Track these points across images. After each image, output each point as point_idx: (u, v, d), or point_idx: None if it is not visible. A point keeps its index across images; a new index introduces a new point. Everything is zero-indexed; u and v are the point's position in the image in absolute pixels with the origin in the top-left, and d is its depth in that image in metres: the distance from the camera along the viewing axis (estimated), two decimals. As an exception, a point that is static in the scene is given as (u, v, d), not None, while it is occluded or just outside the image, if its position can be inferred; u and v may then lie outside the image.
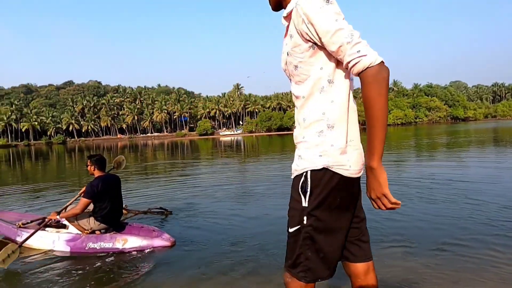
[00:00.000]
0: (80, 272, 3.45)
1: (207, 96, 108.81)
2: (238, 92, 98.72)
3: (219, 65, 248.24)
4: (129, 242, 3.91)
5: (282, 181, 8.89)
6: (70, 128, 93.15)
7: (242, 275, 3.16)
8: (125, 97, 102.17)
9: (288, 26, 1.34)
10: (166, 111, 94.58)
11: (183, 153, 25.89)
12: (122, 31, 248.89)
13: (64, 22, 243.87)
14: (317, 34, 1.18)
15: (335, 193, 1.28)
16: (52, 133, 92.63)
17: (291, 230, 1.35)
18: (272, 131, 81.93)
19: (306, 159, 1.31)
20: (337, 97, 1.28)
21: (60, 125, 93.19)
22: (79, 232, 4.10)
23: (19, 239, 4.11)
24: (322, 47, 1.23)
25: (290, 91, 1.45)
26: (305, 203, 1.29)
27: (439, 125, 74.19)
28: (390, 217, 4.65)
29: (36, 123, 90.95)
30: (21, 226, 4.31)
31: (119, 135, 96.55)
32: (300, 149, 1.38)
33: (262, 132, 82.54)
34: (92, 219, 4.07)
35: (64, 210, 4.33)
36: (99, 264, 3.61)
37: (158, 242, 3.91)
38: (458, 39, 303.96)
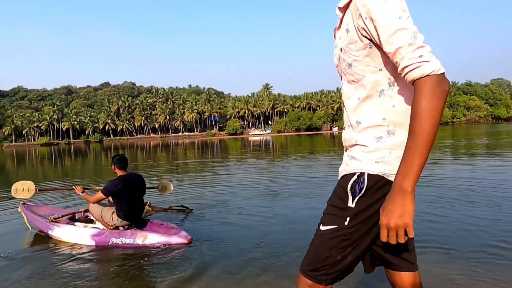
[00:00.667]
0: (101, 265, 3.68)
1: (236, 96, 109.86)
2: (267, 92, 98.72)
3: (249, 65, 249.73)
4: (148, 238, 4.08)
5: (309, 181, 8.77)
6: (106, 127, 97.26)
7: (254, 275, 3.16)
8: (158, 97, 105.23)
9: (342, 18, 1.22)
10: (196, 111, 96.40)
11: (213, 152, 26.25)
12: (154, 33, 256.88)
13: (102, 26, 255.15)
14: (376, 31, 1.06)
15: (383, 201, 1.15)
16: (90, 132, 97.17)
17: (323, 228, 1.23)
18: (301, 131, 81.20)
19: (361, 161, 1.19)
20: (399, 103, 1.16)
21: (97, 125, 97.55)
22: (104, 228, 4.33)
23: (51, 233, 4.46)
24: (380, 46, 1.09)
25: (340, 88, 1.31)
26: (351, 204, 1.18)
27: (478, 125, 70.27)
28: (430, 219, 4.49)
29: (75, 122, 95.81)
30: (53, 220, 4.57)
31: (151, 134, 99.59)
32: (354, 151, 1.25)
33: (291, 132, 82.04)
34: (115, 215, 4.26)
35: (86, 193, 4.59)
36: (119, 258, 3.81)
37: (175, 240, 4.05)
38: (500, 34, 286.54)
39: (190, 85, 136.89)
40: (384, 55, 1.11)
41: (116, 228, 4.26)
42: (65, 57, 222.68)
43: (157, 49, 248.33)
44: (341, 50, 1.22)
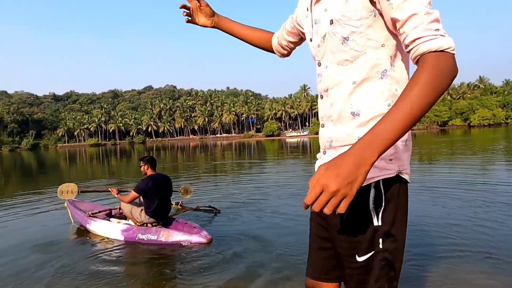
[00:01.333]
0: (125, 259, 4.00)
1: (273, 98, 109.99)
2: (305, 93, 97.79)
3: (286, 66, 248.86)
4: (171, 236, 4.30)
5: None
6: (149, 129, 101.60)
7: (265, 278, 3.17)
8: (197, 100, 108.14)
9: None
10: (234, 113, 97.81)
11: (250, 154, 26.49)
12: (194, 38, 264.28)
13: (146, 32, 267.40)
14: None
15: (407, 203, 1.04)
16: (134, 134, 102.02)
17: (361, 259, 1.01)
18: (340, 132, 79.54)
19: (375, 166, 0.92)
20: (401, 86, 0.98)
21: (140, 126, 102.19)
22: (133, 224, 4.66)
23: (88, 226, 4.90)
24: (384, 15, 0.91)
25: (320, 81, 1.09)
26: (377, 222, 0.99)
27: (537, 127, 64.55)
28: (479, 224, 4.26)
29: (121, 124, 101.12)
30: (91, 215, 5.00)
31: (191, 136, 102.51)
32: None
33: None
34: (143, 213, 4.55)
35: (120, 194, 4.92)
36: (142, 253, 4.10)
37: (196, 239, 4.23)
38: None
39: (228, 87, 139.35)
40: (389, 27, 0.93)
41: (144, 224, 4.55)
42: (112, 63, 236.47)
43: (197, 53, 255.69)
44: (331, 23, 0.99)
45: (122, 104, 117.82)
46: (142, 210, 4.57)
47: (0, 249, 4.36)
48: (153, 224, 4.59)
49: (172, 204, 5.19)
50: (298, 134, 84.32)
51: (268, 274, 3.25)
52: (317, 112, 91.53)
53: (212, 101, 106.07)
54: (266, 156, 23.42)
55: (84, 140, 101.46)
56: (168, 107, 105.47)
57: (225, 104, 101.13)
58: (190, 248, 4.11)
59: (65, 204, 5.66)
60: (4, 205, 8.07)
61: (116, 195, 4.82)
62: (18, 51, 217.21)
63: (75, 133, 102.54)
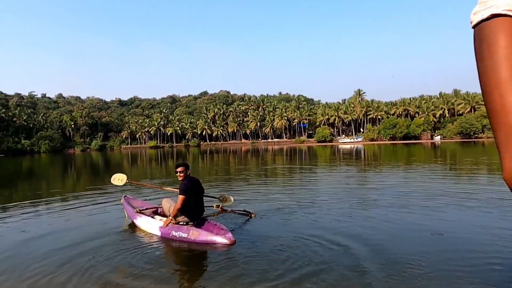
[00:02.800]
0: (157, 251, 4.43)
1: (326, 103, 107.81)
2: (359, 98, 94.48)
3: (339, 71, 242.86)
4: (199, 235, 4.61)
5: (403, 192, 8.12)
6: (204, 133, 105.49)
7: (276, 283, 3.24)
8: (250, 105, 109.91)
9: None
10: (286, 118, 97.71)
11: (301, 159, 26.26)
12: (247, 43, 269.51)
13: (202, 39, 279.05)
14: None
15: None
16: (189, 137, 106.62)
17: None
18: (397, 139, 75.39)
19: None
20: None
21: (195, 130, 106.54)
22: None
23: (135, 221, 5.48)
24: None
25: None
26: None
27: None
28: None
29: (178, 128, 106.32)
30: (138, 211, 5.54)
31: (243, 140, 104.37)
32: None
33: (385, 140, 76.84)
34: (179, 212, 4.93)
35: (169, 213, 5.23)
36: (172, 248, 4.54)
37: (220, 239, 4.47)
38: None
39: (280, 93, 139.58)
40: None
41: (178, 223, 4.92)
42: (172, 70, 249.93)
43: (250, 59, 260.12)
44: None
45: (179, 109, 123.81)
46: (178, 209, 4.92)
47: (70, 232, 5.41)
48: (189, 223, 4.93)
49: (213, 207, 5.73)
50: (352, 140, 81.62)
51: (276, 282, 3.30)
52: (372, 118, 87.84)
53: (264, 106, 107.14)
54: (317, 162, 23.04)
55: (145, 142, 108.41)
56: (221, 112, 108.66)
57: (277, 109, 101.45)
58: (214, 248, 4.39)
59: (122, 200, 6.31)
60: (77, 197, 9.34)
61: (169, 216, 5.04)
62: (92, 59, 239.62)
63: (137, 136, 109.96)
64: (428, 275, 3.44)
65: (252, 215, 5.98)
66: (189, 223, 4.92)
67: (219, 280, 3.43)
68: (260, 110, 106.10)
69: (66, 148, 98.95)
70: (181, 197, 4.78)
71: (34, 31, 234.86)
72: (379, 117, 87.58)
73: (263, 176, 14.38)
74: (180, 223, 4.91)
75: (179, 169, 5.05)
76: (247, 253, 4.14)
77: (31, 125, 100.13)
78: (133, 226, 5.53)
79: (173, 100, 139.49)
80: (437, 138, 74.10)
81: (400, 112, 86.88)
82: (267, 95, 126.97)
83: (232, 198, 6.18)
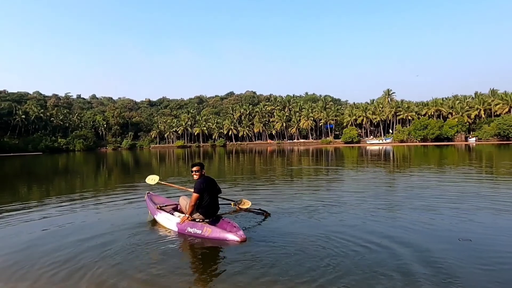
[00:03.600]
0: (172, 245, 4.67)
1: (354, 103, 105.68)
2: (389, 98, 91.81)
3: (368, 71, 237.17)
4: (212, 232, 4.79)
5: (433, 195, 7.83)
6: (230, 133, 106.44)
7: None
8: (276, 105, 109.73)
9: None
10: (312, 118, 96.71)
11: (327, 160, 25.92)
12: (273, 44, 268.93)
13: (227, 41, 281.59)
14: None
15: None
16: (216, 137, 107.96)
17: None
18: (428, 141, 72.66)
19: None
20: None
21: (222, 130, 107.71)
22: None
23: (155, 217, 5.78)
24: None
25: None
26: None
27: None
28: None
29: (204, 128, 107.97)
30: (159, 207, 5.84)
31: (269, 140, 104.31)
32: None
33: (416, 141, 74.25)
34: (194, 209, 5.17)
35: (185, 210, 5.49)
36: (186, 244, 4.77)
37: (231, 237, 4.62)
38: None
39: (306, 93, 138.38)
40: None
41: (194, 220, 5.13)
42: (199, 71, 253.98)
43: (276, 59, 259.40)
44: None
45: (206, 109, 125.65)
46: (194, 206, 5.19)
47: (97, 224, 6.02)
48: (206, 220, 5.13)
49: (231, 205, 5.94)
50: (380, 141, 79.50)
51: (275, 280, 3.37)
52: (402, 119, 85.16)
53: (290, 107, 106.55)
54: (344, 163, 22.66)
55: (173, 142, 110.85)
56: (247, 112, 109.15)
57: (303, 110, 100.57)
58: (226, 245, 4.54)
59: (145, 197, 6.66)
60: (107, 193, 9.89)
61: (186, 213, 5.29)
62: (124, 61, 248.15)
63: (165, 135, 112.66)
64: (452, 280, 3.31)
65: (266, 214, 6.09)
66: (204, 220, 5.13)
67: (222, 275, 3.64)
68: (286, 110, 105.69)
69: (99, 146, 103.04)
70: (194, 195, 5.04)
71: (70, 34, 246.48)
72: (409, 117, 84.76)
73: (287, 176, 14.34)
74: (196, 220, 5.12)
75: (194, 169, 5.30)
76: (257, 251, 4.25)
77: (67, 125, 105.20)
78: (154, 221, 5.83)
79: (200, 100, 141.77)
80: (472, 140, 70.67)
81: (432, 113, 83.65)
82: (293, 95, 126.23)
83: (250, 203, 6.21)
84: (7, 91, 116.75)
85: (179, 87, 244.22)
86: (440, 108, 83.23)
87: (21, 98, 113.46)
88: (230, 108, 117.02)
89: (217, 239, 4.69)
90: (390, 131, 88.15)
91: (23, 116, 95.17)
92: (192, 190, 5.18)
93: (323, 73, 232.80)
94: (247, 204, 6.12)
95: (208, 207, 5.14)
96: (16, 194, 11.03)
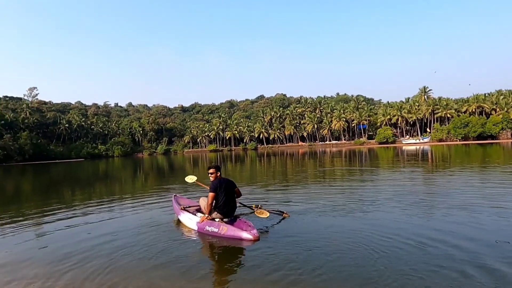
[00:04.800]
0: (192, 243, 5.02)
1: (388, 102, 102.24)
2: (425, 96, 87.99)
3: (402, 68, 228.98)
4: (228, 231, 5.03)
5: (471, 194, 7.40)
6: (261, 136, 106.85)
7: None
8: (306, 107, 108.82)
9: None
10: (344, 119, 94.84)
11: (361, 161, 25.27)
12: (302, 46, 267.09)
13: (257, 43, 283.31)
14: None
15: None
16: (247, 140, 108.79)
17: None
18: (470, 139, 68.77)
19: None
20: None
21: (253, 134, 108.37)
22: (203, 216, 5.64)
23: (179, 217, 6.17)
24: None
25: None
26: None
27: None
28: None
29: (236, 132, 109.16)
30: (182, 208, 6.23)
31: (300, 143, 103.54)
32: None
33: (456, 140, 70.55)
34: (213, 209, 5.48)
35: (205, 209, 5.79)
36: (203, 241, 5.09)
37: (245, 235, 4.84)
38: None
39: (338, 93, 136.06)
40: None
41: (212, 219, 5.40)
42: (229, 75, 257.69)
43: (306, 61, 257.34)
44: None
45: (237, 113, 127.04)
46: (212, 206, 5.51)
47: (130, 222, 6.67)
48: (224, 220, 5.39)
49: (253, 206, 6.18)
50: (417, 141, 76.18)
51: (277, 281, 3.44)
52: (440, 117, 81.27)
53: (321, 108, 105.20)
54: (379, 164, 21.99)
55: (205, 146, 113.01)
56: (278, 115, 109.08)
57: (335, 111, 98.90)
58: (240, 243, 4.78)
59: (172, 199, 7.10)
60: (143, 195, 10.45)
61: (205, 213, 5.62)
62: (158, 69, 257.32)
63: (198, 140, 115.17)
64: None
65: (285, 215, 6.20)
66: (223, 219, 5.41)
67: (232, 272, 3.87)
68: (317, 112, 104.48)
69: (135, 152, 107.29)
70: (210, 194, 5.40)
71: (106, 46, 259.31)
72: (448, 115, 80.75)
73: (319, 178, 14.14)
74: (216, 219, 5.39)
75: (210, 171, 5.66)
76: (268, 249, 4.40)
77: (106, 132, 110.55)
78: (179, 221, 6.25)
79: (231, 105, 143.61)
80: (520, 137, 66.04)
81: (473, 110, 79.15)
82: (324, 96, 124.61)
83: (267, 213, 6.14)
84: (52, 102, 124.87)
85: (210, 92, 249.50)
86: (482, 104, 78.61)
87: (64, 108, 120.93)
88: (261, 111, 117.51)
89: (232, 237, 4.93)
90: (428, 130, 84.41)
91: (67, 125, 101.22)
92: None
93: (354, 73, 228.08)
94: (264, 214, 6.08)
95: (224, 206, 5.42)
96: (62, 197, 11.75)
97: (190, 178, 7.55)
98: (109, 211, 8.15)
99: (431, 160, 22.58)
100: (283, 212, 6.29)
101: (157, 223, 6.32)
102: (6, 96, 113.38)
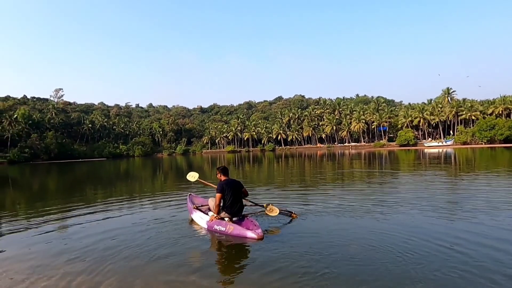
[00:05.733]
0: (200, 240, 5.29)
1: (409, 104, 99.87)
2: (449, 98, 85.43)
3: (424, 69, 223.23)
4: (234, 230, 5.26)
5: (495, 197, 7.12)
6: (279, 137, 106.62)
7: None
8: (325, 108, 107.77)
9: None
10: (364, 121, 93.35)
11: (381, 164, 24.81)
12: (321, 47, 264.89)
13: (275, 45, 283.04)
14: None
15: None
16: (265, 142, 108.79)
17: None
18: (496, 142, 66.26)
19: None
20: None
21: (271, 135, 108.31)
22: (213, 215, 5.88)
23: (192, 216, 6.44)
24: None
25: None
26: None
27: None
28: None
29: (254, 133, 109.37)
30: (195, 207, 6.50)
31: (318, 144, 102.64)
32: None
33: (481, 143, 68.13)
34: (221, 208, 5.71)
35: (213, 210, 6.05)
36: (212, 239, 5.34)
37: (250, 234, 5.05)
38: None
39: (357, 95, 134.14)
40: None
41: (221, 218, 5.64)
42: (247, 76, 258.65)
43: (325, 62, 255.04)
44: None
45: (255, 115, 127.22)
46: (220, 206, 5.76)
47: (148, 219, 6.91)
48: (231, 219, 5.61)
49: (263, 205, 6.41)
50: (440, 144, 74.04)
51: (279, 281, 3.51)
52: (464, 119, 78.68)
53: (340, 109, 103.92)
54: (400, 167, 21.52)
55: (223, 147, 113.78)
56: (296, 116, 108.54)
57: (354, 112, 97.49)
58: (245, 241, 4.97)
59: (187, 197, 7.31)
60: (162, 194, 10.68)
61: (213, 211, 5.94)
62: (177, 71, 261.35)
63: (216, 141, 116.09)
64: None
65: (294, 215, 6.30)
66: (232, 219, 5.64)
67: (233, 269, 4.05)
68: (336, 113, 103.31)
69: (155, 152, 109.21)
70: (217, 195, 5.66)
71: (130, 48, 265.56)
72: (473, 117, 78.11)
73: (336, 180, 13.98)
74: (225, 219, 5.62)
75: (217, 172, 5.96)
76: (272, 249, 4.55)
77: (127, 132, 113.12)
78: (193, 220, 6.50)
79: (249, 106, 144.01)
80: (550, 141, 63.04)
81: (500, 112, 76.25)
82: (343, 97, 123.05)
83: (278, 210, 6.33)
84: (76, 103, 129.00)
85: (229, 93, 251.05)
86: (509, 106, 75.63)
87: (88, 109, 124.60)
88: (279, 112, 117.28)
89: (238, 236, 5.15)
90: (451, 132, 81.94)
91: (90, 125, 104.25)
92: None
93: (375, 74, 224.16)
94: (274, 212, 6.30)
95: (231, 206, 5.65)
96: (85, 195, 12.14)
97: (192, 176, 7.54)
98: (129, 209, 8.49)
99: (455, 164, 21.90)
100: (292, 213, 6.39)
101: (170, 220, 6.64)
102: (34, 97, 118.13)
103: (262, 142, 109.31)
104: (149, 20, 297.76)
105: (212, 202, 6.06)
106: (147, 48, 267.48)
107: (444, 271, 3.57)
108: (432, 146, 70.52)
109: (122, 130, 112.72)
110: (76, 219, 7.25)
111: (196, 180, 7.49)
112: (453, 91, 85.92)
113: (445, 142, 74.32)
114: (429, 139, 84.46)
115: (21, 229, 6.49)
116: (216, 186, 5.94)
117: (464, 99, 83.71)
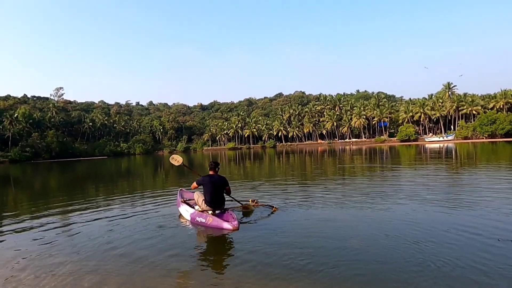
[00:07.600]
0: (184, 230, 5.73)
1: (410, 99, 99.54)
2: (449, 92, 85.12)
3: (425, 64, 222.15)
4: (212, 221, 5.65)
5: (494, 191, 7.12)
6: (279, 134, 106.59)
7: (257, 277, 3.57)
8: (326, 104, 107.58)
9: None
10: (364, 117, 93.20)
11: (382, 159, 24.79)
12: (321, 43, 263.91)
13: (275, 42, 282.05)
14: None
15: None
16: (266, 138, 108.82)
17: None
18: (497, 137, 66.11)
19: None
20: None
21: (271, 132, 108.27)
22: (199, 209, 6.22)
23: (179, 209, 6.74)
24: None
25: None
26: None
27: None
28: None
29: (254, 130, 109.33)
30: (183, 201, 6.81)
31: (319, 141, 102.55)
32: None
33: (483, 138, 67.98)
34: (203, 202, 6.10)
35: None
36: (193, 230, 5.75)
37: (226, 225, 5.42)
38: None
39: (358, 91, 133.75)
40: None
41: (203, 211, 6.01)
42: (248, 73, 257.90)
43: (325, 58, 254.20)
44: None
45: (256, 111, 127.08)
46: (203, 200, 6.10)
47: (145, 213, 7.08)
48: (213, 212, 5.94)
49: (249, 201, 6.88)
50: (441, 138, 73.87)
51: (251, 272, 3.67)
52: (465, 114, 78.46)
53: (341, 105, 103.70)
54: (401, 162, 21.50)
55: (224, 144, 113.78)
56: (297, 113, 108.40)
57: (355, 108, 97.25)
58: (221, 232, 5.35)
59: (178, 192, 7.49)
60: (162, 191, 10.61)
61: (198, 204, 6.32)
62: (177, 69, 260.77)
63: (217, 138, 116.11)
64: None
65: (274, 209, 6.64)
66: (215, 211, 5.98)
67: (208, 256, 4.41)
68: (336, 109, 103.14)
69: (156, 150, 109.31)
70: (194, 184, 6.19)
71: (129, 46, 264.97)
72: (474, 112, 77.88)
73: (336, 176, 13.98)
74: (209, 212, 5.96)
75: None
76: (246, 238, 4.91)
77: (128, 130, 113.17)
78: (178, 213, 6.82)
79: (250, 103, 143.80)
80: (552, 135, 62.87)
81: (501, 106, 76.01)
82: (344, 93, 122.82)
83: (253, 207, 6.80)
84: (77, 101, 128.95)
85: (229, 90, 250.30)
86: (510, 100, 75.40)
87: (88, 107, 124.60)
88: (279, 109, 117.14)
89: (216, 227, 5.53)
90: (452, 127, 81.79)
91: (90, 124, 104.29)
92: (203, 175, 6.20)
93: (375, 70, 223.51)
94: (253, 207, 6.81)
95: (211, 199, 5.99)
96: (86, 193, 12.16)
97: (176, 160, 7.19)
98: (132, 203, 8.58)
99: (456, 158, 21.87)
100: (273, 207, 6.78)
101: (165, 214, 6.94)
102: (34, 96, 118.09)
103: (263, 138, 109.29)
104: (149, 17, 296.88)
105: (196, 196, 6.35)
106: (147, 45, 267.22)
107: (452, 260, 3.57)
108: (433, 141, 70.42)
109: (123, 128, 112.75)
110: (77, 218, 7.27)
111: (181, 165, 7.15)
112: (454, 86, 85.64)
113: (446, 137, 74.18)
114: (430, 134, 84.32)
115: (22, 229, 6.50)
116: (201, 175, 6.26)
117: (465, 94, 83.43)
